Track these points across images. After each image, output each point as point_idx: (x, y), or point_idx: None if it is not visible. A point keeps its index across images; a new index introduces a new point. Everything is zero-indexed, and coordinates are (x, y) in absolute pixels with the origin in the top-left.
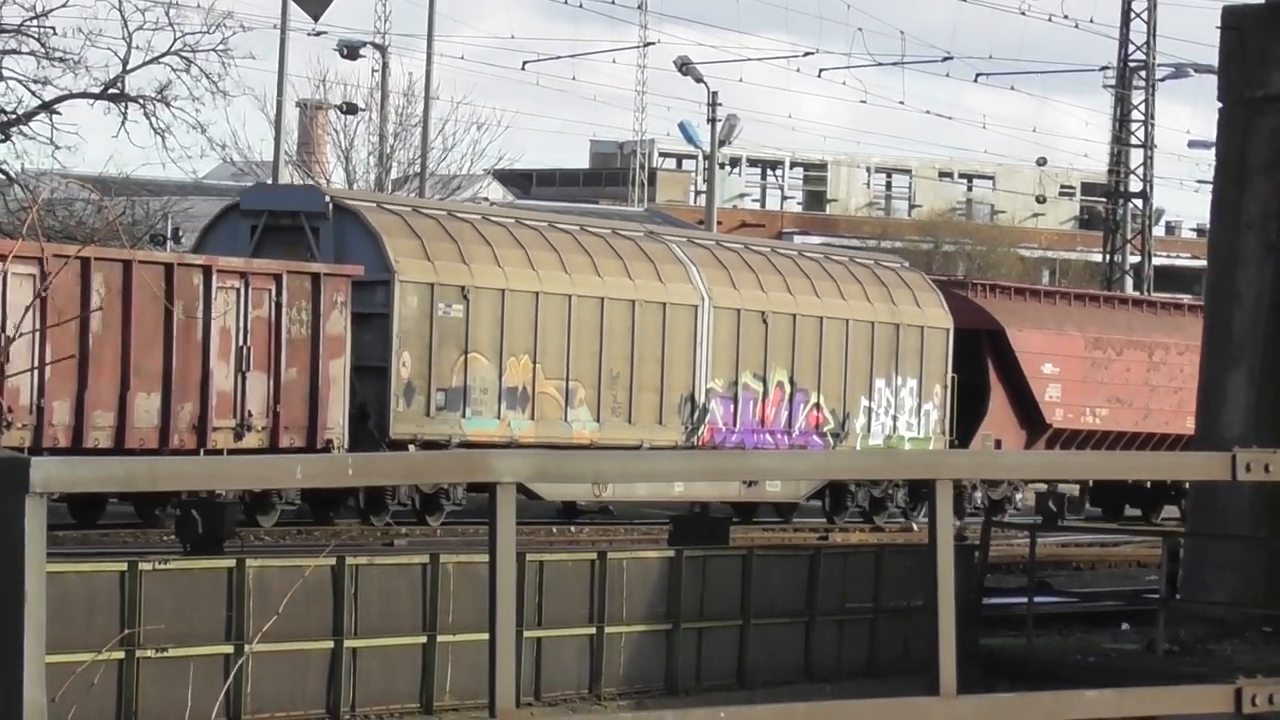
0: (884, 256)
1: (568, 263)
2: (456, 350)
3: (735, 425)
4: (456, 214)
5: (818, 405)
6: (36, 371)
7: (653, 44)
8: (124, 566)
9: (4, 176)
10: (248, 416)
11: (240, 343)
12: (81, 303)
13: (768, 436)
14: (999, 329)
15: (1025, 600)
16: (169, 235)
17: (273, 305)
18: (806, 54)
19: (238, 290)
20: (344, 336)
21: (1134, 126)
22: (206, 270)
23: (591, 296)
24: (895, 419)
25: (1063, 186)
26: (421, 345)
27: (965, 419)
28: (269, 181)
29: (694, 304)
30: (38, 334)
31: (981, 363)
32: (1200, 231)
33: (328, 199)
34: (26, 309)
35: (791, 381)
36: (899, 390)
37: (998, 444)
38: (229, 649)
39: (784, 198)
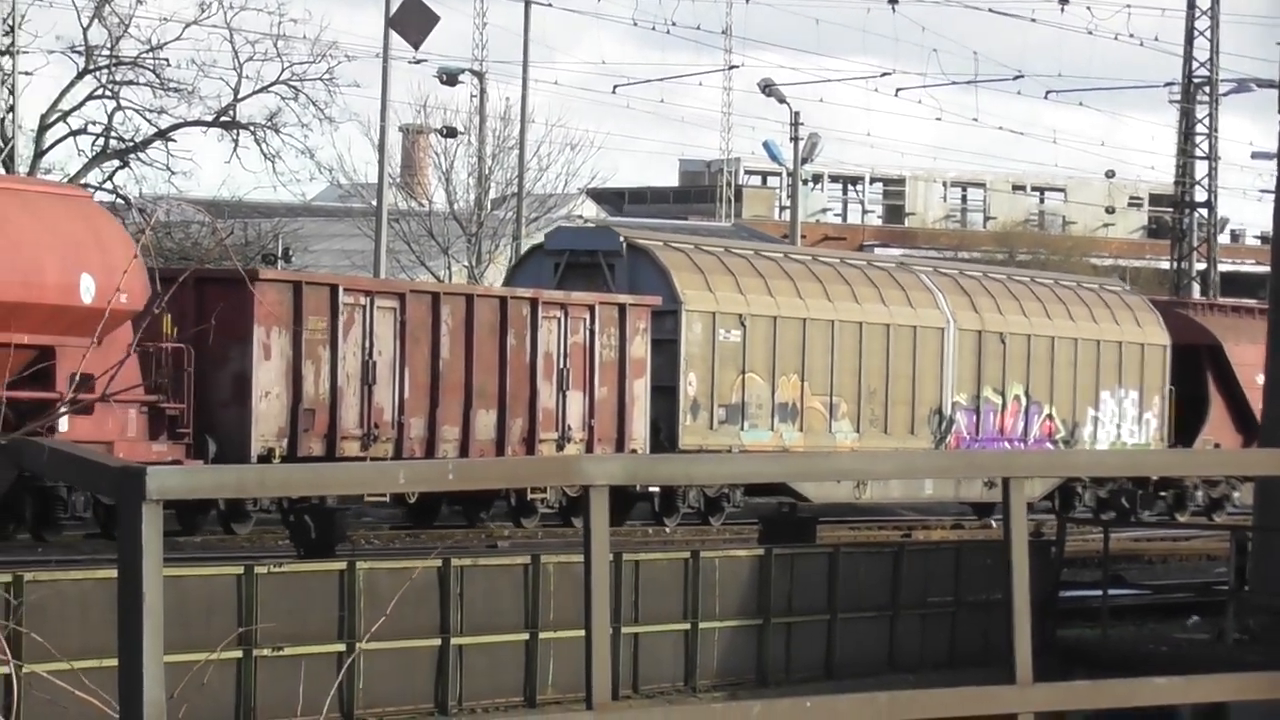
0: (1107, 281)
1: (830, 291)
2: (735, 371)
3: (978, 434)
4: (733, 250)
5: (1050, 416)
6: (398, 392)
7: (737, 67)
8: (240, 570)
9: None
10: (568, 430)
11: (561, 365)
12: (432, 332)
13: (1006, 444)
14: (1217, 344)
15: (1100, 593)
16: (280, 255)
17: (587, 332)
18: (884, 74)
19: (558, 319)
20: (645, 359)
21: (1199, 139)
22: (533, 303)
23: (851, 321)
24: (1119, 427)
25: (1131, 198)
26: (705, 367)
27: (1188, 427)
28: (372, 203)
29: (940, 327)
30: (402, 359)
31: (1202, 375)
32: (1264, 239)
33: (622, 239)
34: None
35: (1027, 394)
36: (1122, 401)
37: (1216, 448)
38: (341, 647)
39: (864, 212)
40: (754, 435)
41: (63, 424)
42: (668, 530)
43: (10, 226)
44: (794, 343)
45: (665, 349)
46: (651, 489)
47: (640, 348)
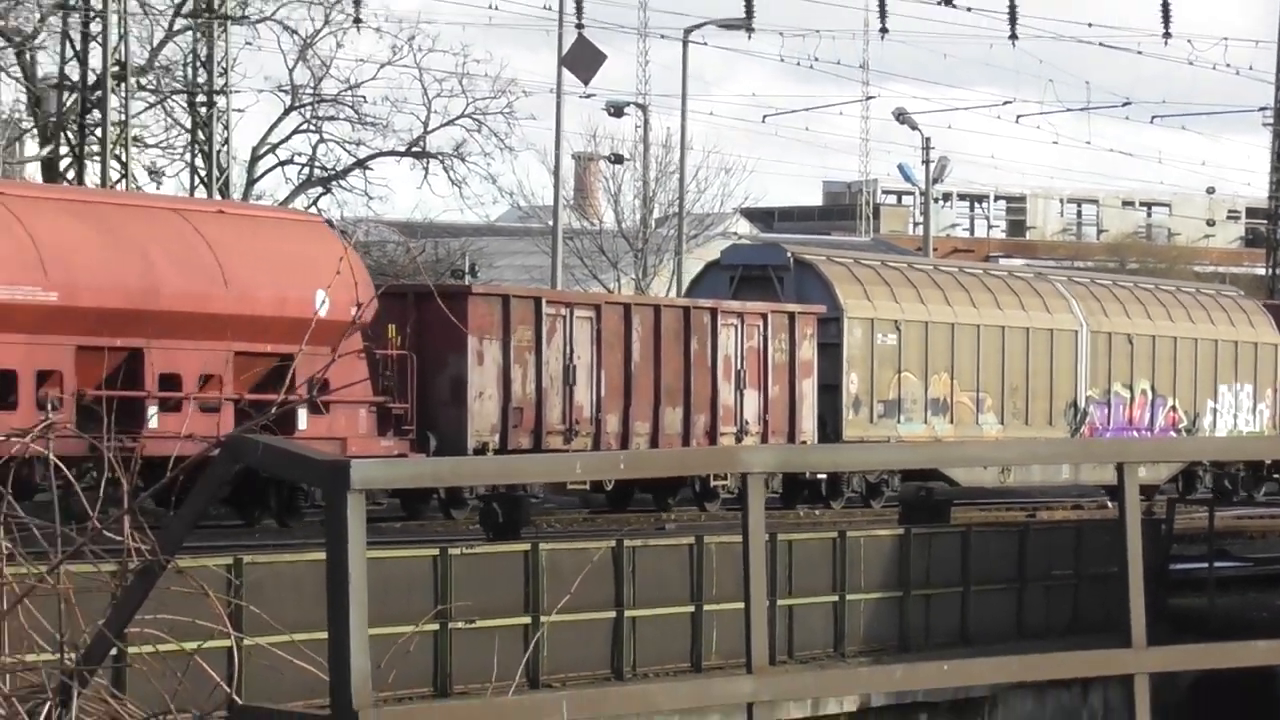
0: (1223, 287)
1: (975, 299)
2: (891, 370)
3: (1109, 424)
4: (888, 263)
5: (1174, 408)
6: (595, 392)
7: (874, 98)
8: (436, 552)
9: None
10: (745, 424)
11: (738, 367)
12: (625, 339)
13: (1134, 433)
14: None
15: (1206, 565)
16: (467, 270)
17: (761, 338)
18: (1005, 103)
19: (735, 326)
20: (812, 361)
21: None
22: (713, 312)
23: (995, 326)
24: (1235, 417)
25: (1229, 211)
26: (865, 367)
27: None
28: (549, 223)
29: (1074, 330)
30: (598, 362)
31: None
32: None
33: (790, 255)
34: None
35: (1153, 389)
36: (1238, 394)
37: None
38: (526, 620)
39: (990, 226)
40: (909, 427)
41: (302, 422)
42: (817, 513)
43: (257, 249)
44: (944, 345)
45: (829, 352)
46: (819, 476)
47: (808, 351)
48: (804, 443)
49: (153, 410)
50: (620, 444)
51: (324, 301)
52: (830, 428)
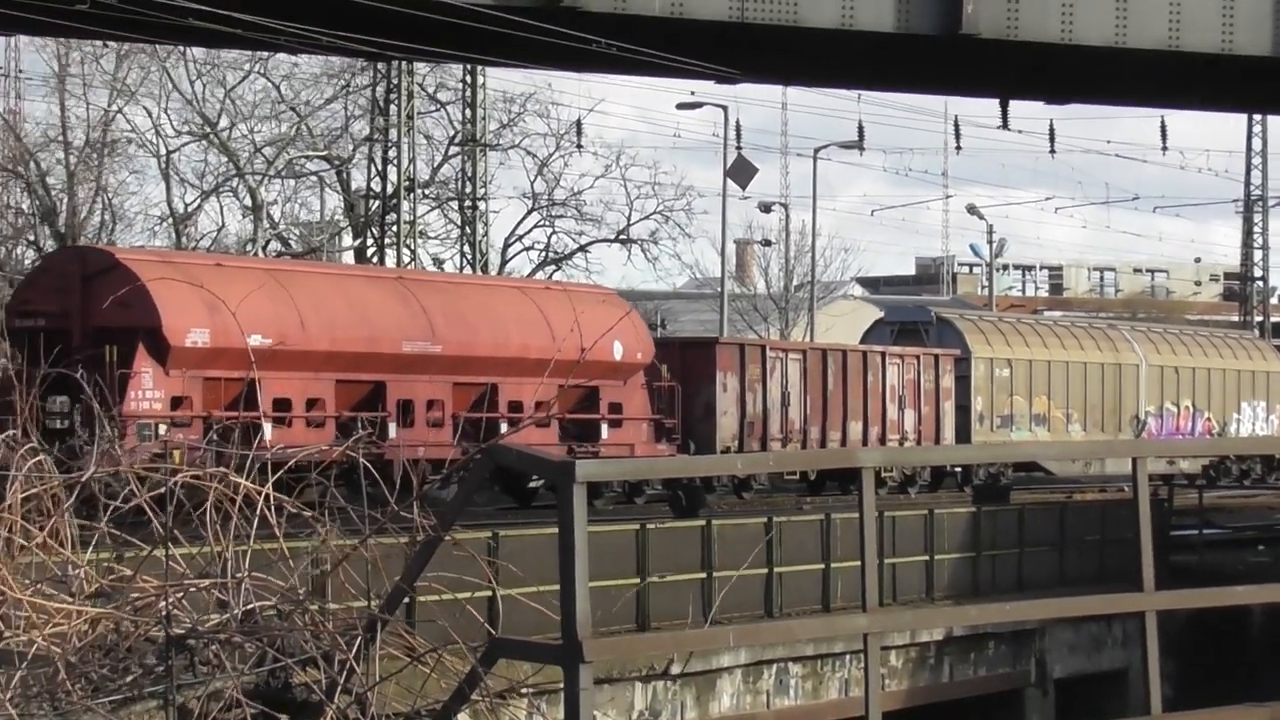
0: (1245, 333)
1: (1065, 343)
2: (1005, 394)
3: (1162, 430)
4: (1003, 319)
5: (1209, 418)
6: (802, 411)
7: (952, 196)
8: (637, 527)
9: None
10: (905, 433)
11: (900, 393)
12: (822, 373)
13: (1180, 435)
14: None
15: (1197, 532)
16: (659, 324)
17: (915, 373)
18: (1048, 199)
19: (898, 365)
20: (951, 389)
21: (1256, 234)
22: (883, 355)
23: (1079, 361)
24: (1254, 425)
25: (1211, 275)
26: (987, 392)
27: None
28: (718, 289)
29: (1137, 364)
30: (805, 390)
31: None
32: None
33: (933, 313)
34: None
35: (1194, 405)
36: (1255, 408)
37: None
38: (703, 575)
39: (1036, 288)
40: (1018, 434)
41: (604, 433)
42: (913, 496)
43: (573, 312)
44: (1043, 375)
45: (962, 382)
46: (956, 469)
47: (948, 381)
48: (947, 444)
49: (504, 428)
50: (820, 446)
51: (619, 349)
52: (963, 435)
